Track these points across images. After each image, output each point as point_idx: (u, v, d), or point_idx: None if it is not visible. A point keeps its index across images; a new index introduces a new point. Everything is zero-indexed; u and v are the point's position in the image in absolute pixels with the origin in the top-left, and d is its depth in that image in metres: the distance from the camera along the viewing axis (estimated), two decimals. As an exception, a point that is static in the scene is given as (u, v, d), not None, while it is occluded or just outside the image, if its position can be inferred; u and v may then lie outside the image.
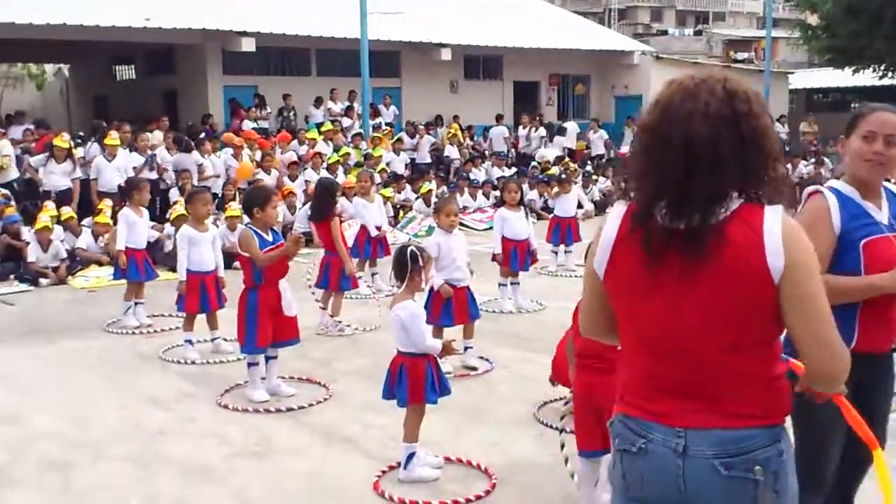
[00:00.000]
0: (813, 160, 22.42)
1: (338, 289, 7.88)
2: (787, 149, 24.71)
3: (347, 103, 19.43)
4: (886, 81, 27.83)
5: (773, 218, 2.02)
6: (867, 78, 27.99)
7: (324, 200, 8.01)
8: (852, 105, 34.16)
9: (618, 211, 2.18)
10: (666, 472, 2.10)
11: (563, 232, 10.64)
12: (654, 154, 2.07)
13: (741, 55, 45.04)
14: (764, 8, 28.69)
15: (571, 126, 22.47)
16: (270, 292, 5.87)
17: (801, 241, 2.03)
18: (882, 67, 26.96)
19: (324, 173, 14.35)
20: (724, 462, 2.05)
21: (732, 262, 2.00)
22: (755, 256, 2.00)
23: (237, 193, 13.19)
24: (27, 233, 10.81)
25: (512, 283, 8.79)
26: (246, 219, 6.39)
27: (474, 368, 6.53)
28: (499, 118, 21.74)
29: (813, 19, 28.71)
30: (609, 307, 2.23)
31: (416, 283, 4.53)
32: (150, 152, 13.61)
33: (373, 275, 9.70)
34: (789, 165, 20.79)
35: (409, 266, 4.48)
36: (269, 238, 5.97)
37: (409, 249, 4.55)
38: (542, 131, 20.85)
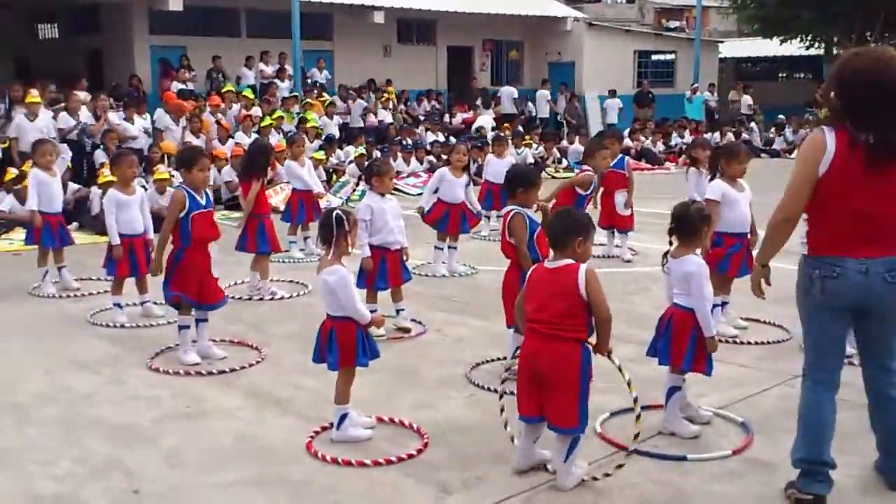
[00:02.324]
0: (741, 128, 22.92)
1: (255, 250, 7.79)
2: (717, 117, 25.24)
3: (279, 65, 19.14)
4: (813, 52, 28.49)
5: None
6: (794, 48, 28.60)
7: (254, 160, 7.93)
8: (780, 75, 34.94)
9: (829, 134, 3.59)
10: (854, 285, 3.64)
11: (496, 197, 10.69)
12: (878, 99, 3.47)
13: (673, 23, 45.48)
14: (695, -23, 28.93)
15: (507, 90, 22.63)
16: (197, 254, 5.83)
17: None
18: (808, 38, 27.56)
19: (254, 136, 14.20)
20: (890, 274, 3.62)
21: None
22: None
23: (164, 156, 12.98)
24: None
25: (449, 247, 8.85)
26: (176, 181, 6.31)
27: (407, 331, 6.58)
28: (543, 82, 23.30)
29: (743, -11, 29.16)
30: (807, 196, 3.65)
31: (343, 247, 4.50)
32: (82, 119, 13.33)
33: (305, 238, 9.66)
34: (717, 133, 21.22)
35: (335, 230, 4.46)
36: (202, 201, 5.92)
37: (335, 213, 4.51)
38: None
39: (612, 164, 9.33)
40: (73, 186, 11.61)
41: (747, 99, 26.05)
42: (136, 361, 5.97)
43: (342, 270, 4.44)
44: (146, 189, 9.66)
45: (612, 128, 20.65)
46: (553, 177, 17.21)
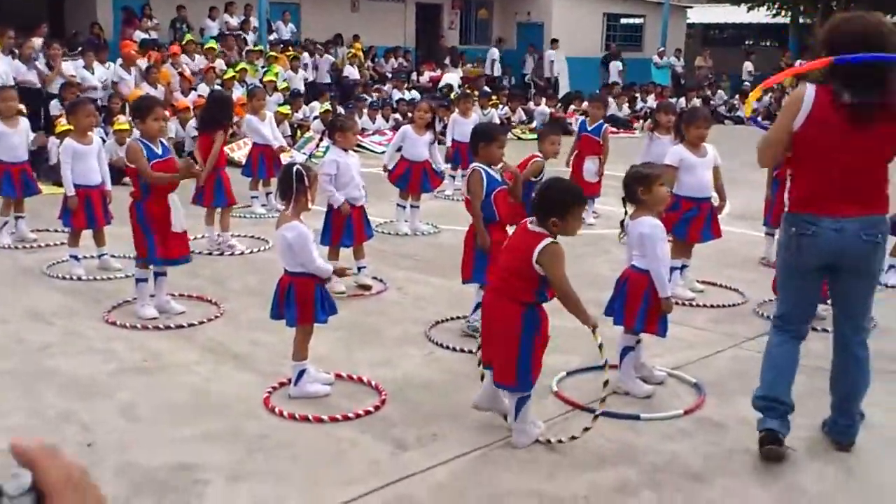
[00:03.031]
0: (707, 93, 23.03)
1: (210, 204, 7.72)
2: (683, 82, 25.31)
3: (244, 17, 18.80)
4: (780, 20, 28.59)
5: None
6: (761, 16, 28.68)
7: (213, 111, 7.83)
8: (746, 41, 35.09)
9: (810, 89, 3.71)
10: (828, 243, 3.74)
11: (464, 156, 10.64)
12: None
13: (643, -13, 45.32)
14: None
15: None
16: (158, 206, 5.73)
17: None
18: (776, 5, 27.65)
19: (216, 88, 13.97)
20: (865, 233, 3.72)
21: (891, 118, 3.63)
22: None
23: (124, 106, 12.73)
24: None
25: (412, 206, 8.82)
26: (136, 132, 6.20)
27: (368, 288, 6.58)
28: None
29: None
30: (782, 147, 3.82)
31: (303, 203, 4.46)
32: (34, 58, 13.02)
33: (267, 194, 9.57)
34: (683, 99, 21.30)
35: (294, 185, 4.43)
36: (159, 150, 5.80)
37: (294, 168, 4.48)
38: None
39: (590, 129, 9.36)
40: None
41: (748, 66, 26.03)
42: (92, 314, 5.91)
43: (301, 227, 4.41)
44: (105, 140, 9.49)
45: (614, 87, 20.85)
46: (519, 138, 17.19)
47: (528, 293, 3.90)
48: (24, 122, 7.98)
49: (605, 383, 4.04)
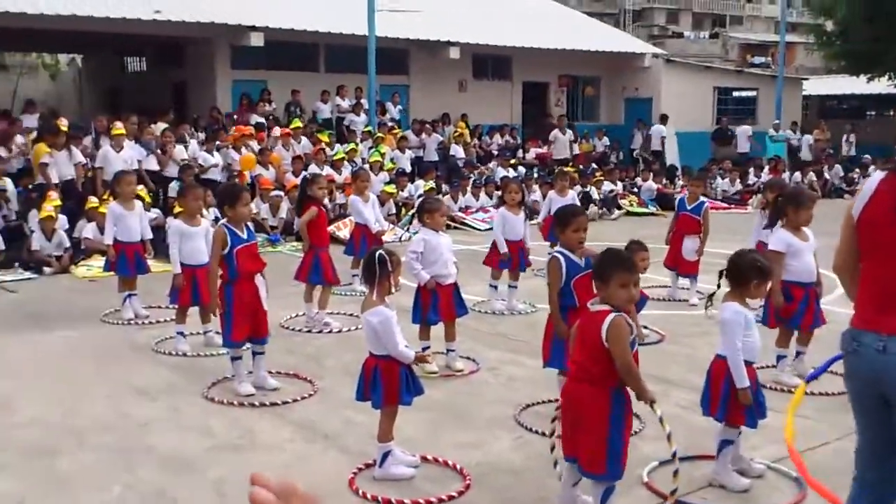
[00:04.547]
0: (824, 167, 22.34)
1: (306, 280, 7.96)
2: (800, 155, 24.65)
3: (355, 100, 19.46)
4: (902, 89, 27.63)
5: None
6: (882, 86, 27.79)
7: (302, 193, 8.24)
8: (867, 113, 34.01)
9: (876, 174, 3.14)
10: (869, 364, 3.07)
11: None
12: None
13: (758, 59, 44.82)
14: (781, 12, 28.39)
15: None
16: (245, 287, 5.93)
17: None
18: (896, 75, 26.78)
19: (327, 169, 14.44)
20: None
21: None
22: None
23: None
24: (32, 221, 10.97)
25: (510, 286, 8.76)
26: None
27: (459, 370, 6.55)
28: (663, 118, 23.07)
29: (829, 24, 28.45)
30: (856, 250, 3.15)
31: (386, 287, 4.54)
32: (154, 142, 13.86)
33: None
34: (798, 173, 20.71)
35: (377, 270, 4.50)
36: (244, 235, 6.04)
37: (378, 253, 4.56)
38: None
39: (689, 208, 9.19)
40: (150, 214, 11.97)
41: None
42: (193, 390, 6.09)
43: (385, 312, 4.47)
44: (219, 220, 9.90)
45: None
46: (629, 212, 17.03)
47: (610, 375, 3.82)
48: (139, 205, 8.45)
49: (675, 473, 3.90)
